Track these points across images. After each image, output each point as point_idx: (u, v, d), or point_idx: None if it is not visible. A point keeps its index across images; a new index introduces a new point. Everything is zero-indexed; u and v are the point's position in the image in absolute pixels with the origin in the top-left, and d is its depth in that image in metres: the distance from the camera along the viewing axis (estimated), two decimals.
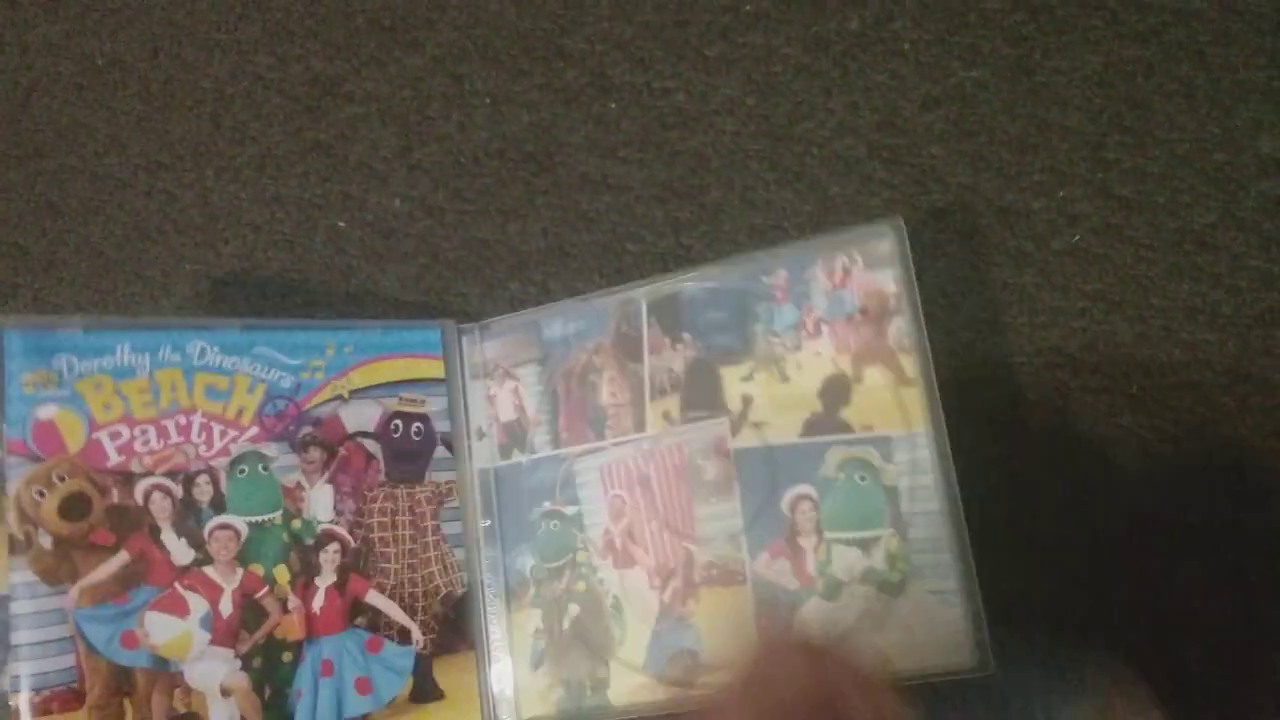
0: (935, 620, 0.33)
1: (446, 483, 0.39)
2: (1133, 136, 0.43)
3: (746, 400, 0.37)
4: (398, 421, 0.39)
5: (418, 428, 0.39)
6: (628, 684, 0.36)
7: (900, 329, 0.36)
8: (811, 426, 0.36)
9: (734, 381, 0.38)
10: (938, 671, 0.32)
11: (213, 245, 0.44)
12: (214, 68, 0.46)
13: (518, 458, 0.39)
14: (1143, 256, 0.42)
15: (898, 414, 0.35)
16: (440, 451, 0.39)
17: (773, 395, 0.37)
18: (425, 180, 0.44)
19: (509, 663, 0.37)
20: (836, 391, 0.36)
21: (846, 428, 0.36)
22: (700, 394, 0.38)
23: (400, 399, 0.39)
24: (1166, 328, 0.41)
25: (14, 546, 0.32)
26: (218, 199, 0.44)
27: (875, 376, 0.36)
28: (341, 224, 0.44)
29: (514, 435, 0.39)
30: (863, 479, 0.35)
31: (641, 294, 0.39)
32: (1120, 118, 0.43)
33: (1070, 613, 0.39)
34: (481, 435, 0.39)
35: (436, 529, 0.38)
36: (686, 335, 0.38)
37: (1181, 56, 0.44)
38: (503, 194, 0.44)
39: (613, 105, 0.44)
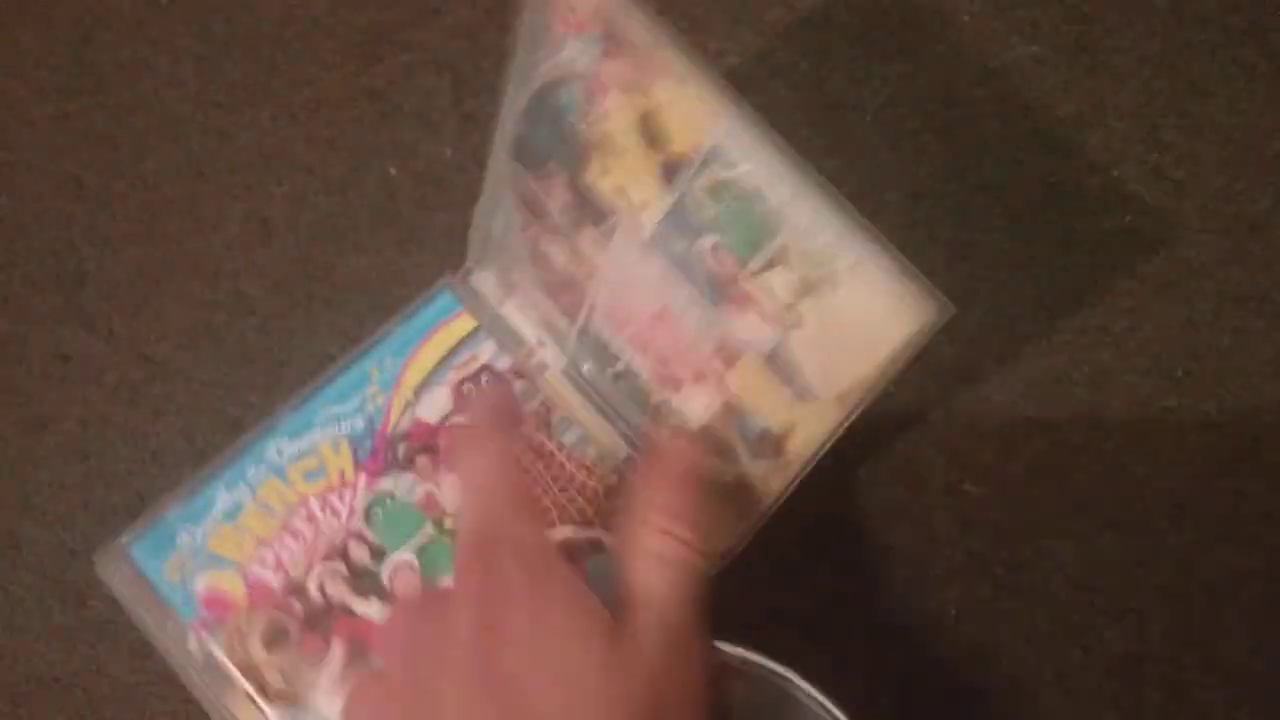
0: (877, 289, 0.30)
1: (541, 404, 0.39)
2: (1189, 120, 0.43)
3: (618, 189, 0.34)
4: (468, 385, 0.39)
5: (487, 379, 0.39)
6: (761, 470, 0.35)
7: (643, 34, 0.32)
8: (666, 175, 0.33)
9: (597, 177, 0.35)
10: (915, 333, 0.30)
11: (264, 186, 0.44)
12: (272, 10, 0.46)
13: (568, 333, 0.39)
14: (1193, 241, 0.42)
15: (703, 124, 0.32)
16: (517, 385, 0.40)
17: (623, 170, 0.34)
18: (476, 131, 0.44)
19: None
20: (651, 131, 0.33)
21: (685, 160, 0.32)
22: (593, 211, 0.35)
23: (456, 368, 0.40)
24: (1214, 313, 0.41)
25: (261, 695, 0.35)
26: (271, 141, 0.45)
27: (665, 93, 0.32)
28: (392, 170, 0.44)
29: (553, 326, 0.40)
30: (733, 199, 0.32)
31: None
32: (1177, 100, 0.43)
33: (1099, 586, 0.39)
34: (543, 344, 0.40)
35: (560, 445, 0.39)
36: (550, 164, 0.36)
37: (1243, 41, 0.43)
38: None
39: None
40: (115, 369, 0.43)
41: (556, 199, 0.36)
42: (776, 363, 0.33)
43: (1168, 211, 0.42)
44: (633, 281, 0.36)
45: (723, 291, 0.34)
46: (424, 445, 0.39)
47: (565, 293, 0.39)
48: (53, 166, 0.45)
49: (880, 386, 0.32)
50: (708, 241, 0.33)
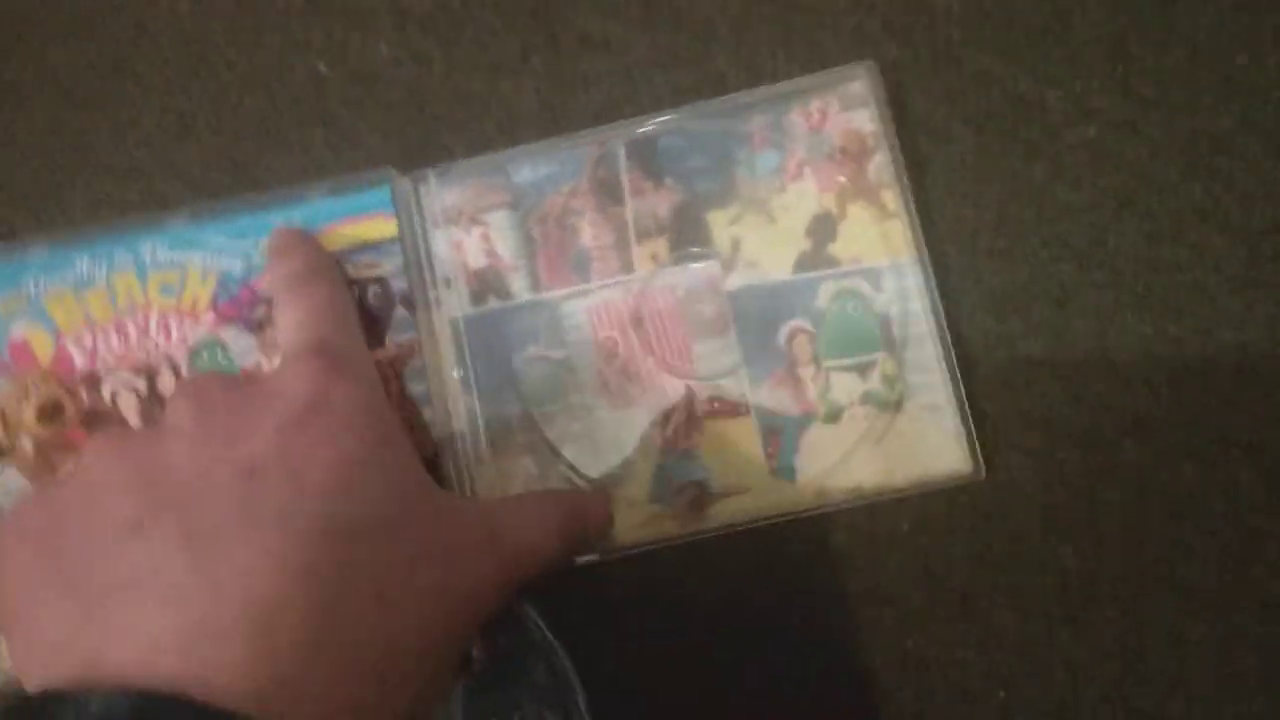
0: (930, 433, 0.36)
1: (408, 342, 0.37)
2: (1155, 32, 0.42)
3: (735, 241, 0.38)
4: (354, 286, 0.37)
5: (375, 290, 0.37)
6: (634, 518, 0.36)
7: (880, 166, 0.37)
8: (802, 263, 0.37)
9: (722, 224, 0.38)
10: (938, 479, 0.36)
11: (183, 80, 0.41)
12: None
13: (493, 304, 0.37)
14: (1157, 155, 0.41)
15: (882, 246, 0.37)
16: (399, 313, 0.37)
17: (761, 236, 0.37)
18: (415, 28, 0.42)
19: None
20: (823, 229, 0.37)
21: (835, 262, 0.37)
22: (688, 236, 0.38)
23: (353, 265, 0.37)
24: (1176, 228, 0.40)
25: (2, 452, 0.36)
26: (191, 31, 0.42)
27: (859, 212, 0.37)
28: (323, 68, 0.41)
29: (486, 282, 0.38)
30: (854, 309, 0.36)
31: (617, 138, 0.38)
32: (1143, 12, 0.42)
33: (1056, 502, 0.37)
34: (449, 284, 0.37)
35: (400, 390, 0.36)
36: (668, 180, 0.38)
37: None
38: (496, 48, 0.41)
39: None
40: None
41: (661, 200, 0.37)
42: (775, 434, 0.36)
43: (1131, 125, 0.41)
44: (673, 308, 0.37)
45: (772, 365, 0.37)
46: None
47: (556, 261, 0.37)
48: None
49: (863, 502, 0.36)
50: (796, 324, 0.37)
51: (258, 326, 0.37)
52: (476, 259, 0.38)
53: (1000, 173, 0.40)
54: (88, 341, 0.37)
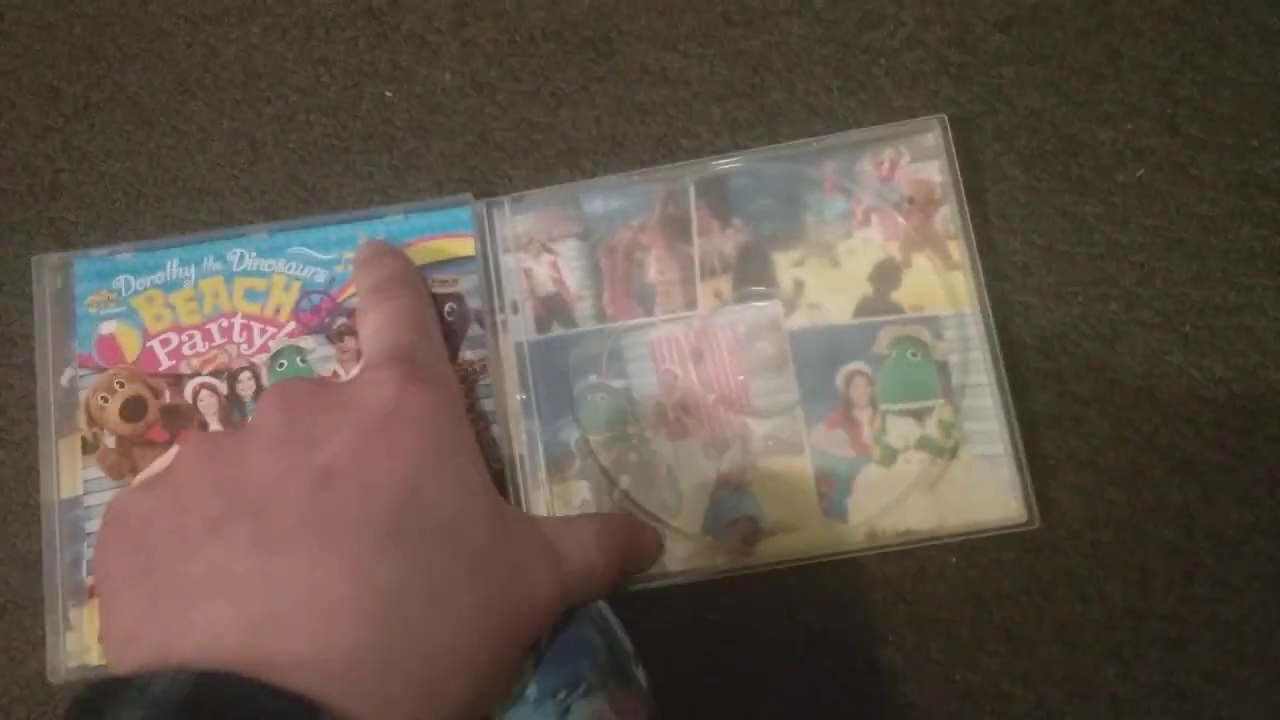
0: (985, 481, 0.37)
1: (480, 360, 0.38)
2: (1204, 75, 0.42)
3: (798, 283, 0.38)
4: (434, 301, 0.38)
5: (450, 307, 0.38)
6: (685, 550, 0.37)
7: (946, 217, 0.38)
8: (863, 308, 0.38)
9: (786, 266, 0.39)
10: (991, 525, 0.36)
11: (253, 104, 0.42)
12: None
13: (557, 330, 0.38)
14: (1205, 196, 0.41)
15: (945, 296, 0.38)
16: (474, 330, 0.38)
17: (824, 279, 0.38)
18: (478, 56, 0.43)
19: None
20: (886, 275, 0.38)
21: (897, 309, 0.38)
22: (752, 276, 0.39)
23: (432, 281, 0.38)
24: (1224, 270, 0.40)
25: (85, 448, 0.37)
26: (262, 58, 0.43)
27: (923, 262, 0.38)
28: (388, 94, 0.42)
29: (552, 309, 0.39)
30: (914, 355, 0.37)
31: (688, 176, 0.39)
32: (1193, 55, 0.42)
33: (1103, 540, 0.38)
34: (516, 309, 0.38)
35: (471, 406, 0.37)
36: (736, 220, 0.39)
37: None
38: (557, 77, 0.42)
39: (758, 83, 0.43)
40: None
41: (728, 239, 0.39)
42: (829, 475, 0.37)
43: (1181, 166, 0.41)
44: (733, 345, 0.38)
45: (829, 407, 0.37)
46: (357, 331, 0.37)
47: (622, 293, 0.39)
48: (29, 76, 0.43)
49: (914, 545, 0.36)
50: (855, 367, 0.38)
51: (337, 336, 0.38)
52: (544, 286, 0.39)
53: (1051, 211, 0.41)
54: (174, 342, 0.38)
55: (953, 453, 0.37)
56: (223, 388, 0.38)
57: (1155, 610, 0.37)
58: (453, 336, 0.38)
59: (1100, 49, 0.43)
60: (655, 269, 0.39)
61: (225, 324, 0.38)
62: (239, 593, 0.25)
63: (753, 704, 0.37)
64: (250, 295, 0.39)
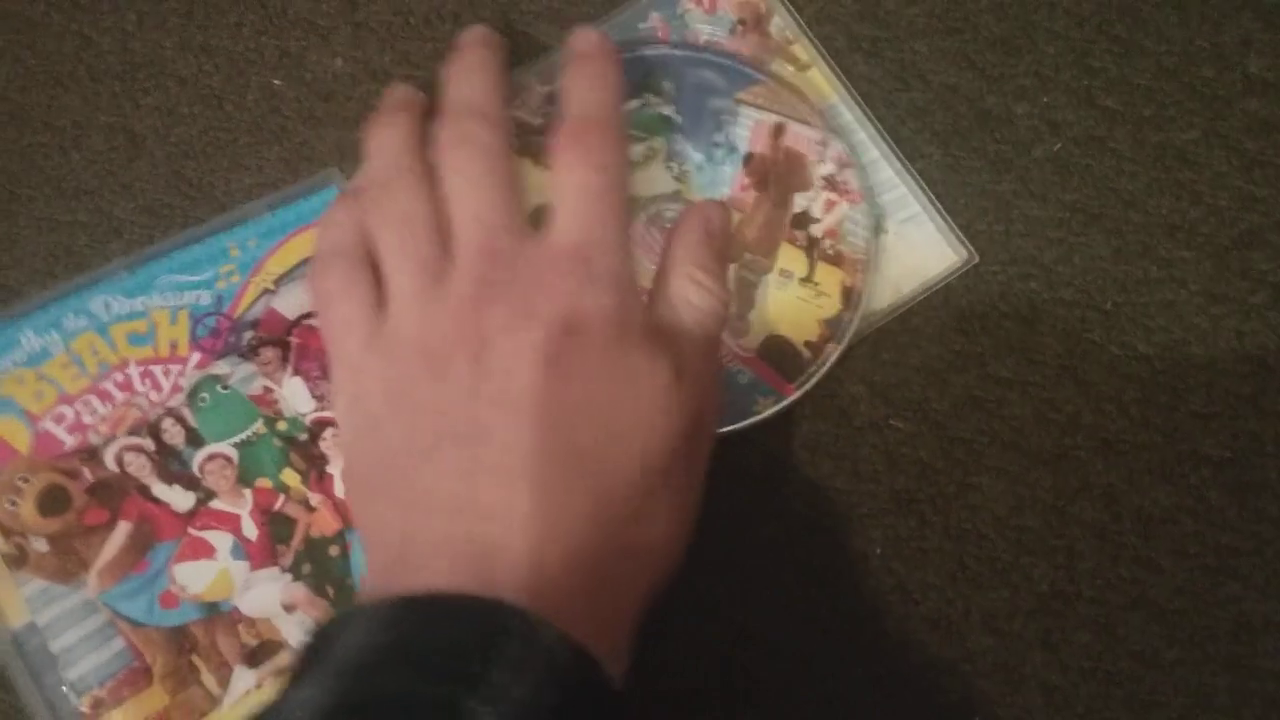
0: (917, 241, 0.39)
1: None
2: (1120, 46, 0.42)
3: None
4: None
5: None
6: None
7: (780, 26, 0.40)
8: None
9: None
10: (939, 276, 0.38)
11: (132, 96, 0.40)
12: None
13: None
14: (1124, 170, 0.40)
15: (811, 94, 0.39)
16: None
17: None
18: (371, 40, 0.40)
19: None
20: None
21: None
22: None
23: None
24: (1144, 244, 0.40)
25: (12, 563, 0.32)
26: (139, 46, 0.40)
27: (777, 71, 0.39)
28: (277, 82, 0.40)
29: None
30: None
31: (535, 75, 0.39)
32: (1109, 25, 0.42)
33: (1027, 524, 0.37)
34: None
35: None
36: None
37: None
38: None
39: None
40: None
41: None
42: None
43: (1098, 139, 0.41)
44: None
45: None
46: (275, 339, 0.36)
47: None
48: None
49: (880, 321, 0.38)
50: None
51: (252, 352, 0.36)
52: None
53: (968, 189, 0.40)
54: (68, 416, 0.34)
55: (880, 228, 0.38)
56: (149, 444, 0.34)
57: (1083, 594, 0.36)
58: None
59: (1014, 21, 0.42)
60: None
61: (120, 378, 0.35)
62: (461, 512, 0.27)
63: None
64: (135, 339, 0.35)
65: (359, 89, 0.40)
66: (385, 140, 0.33)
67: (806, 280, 0.38)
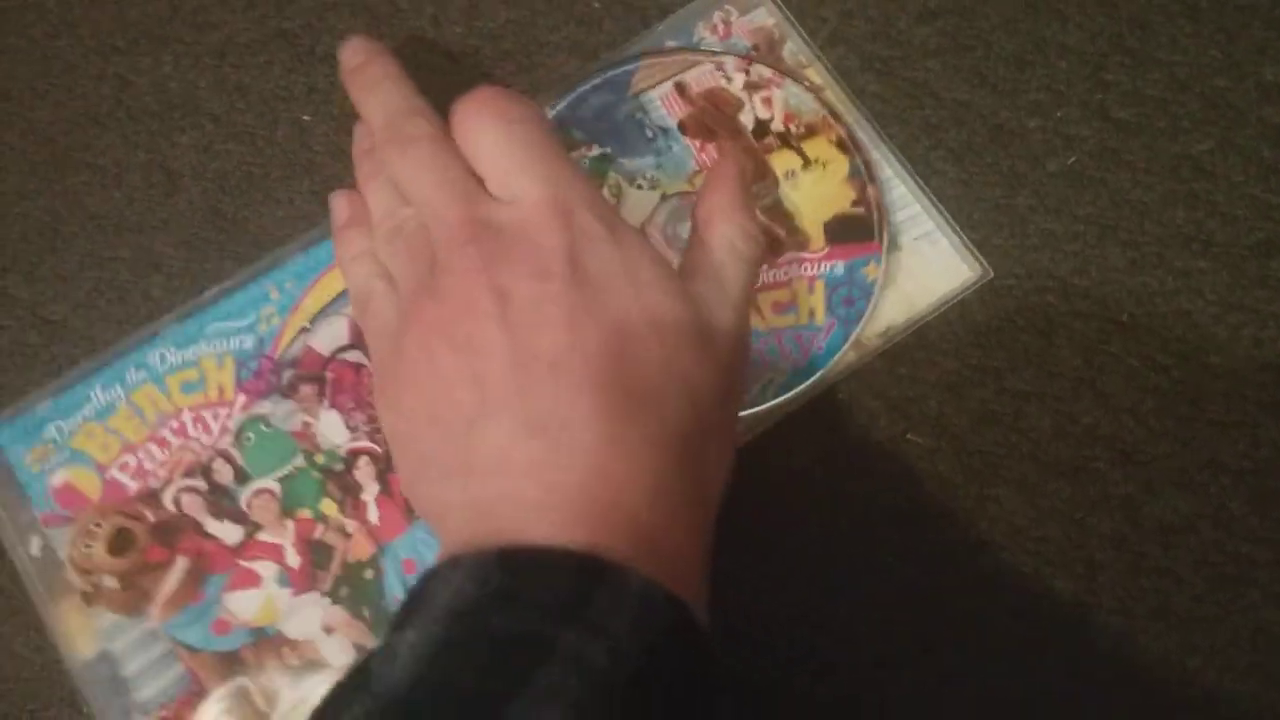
0: (932, 257, 0.39)
1: None
2: (1133, 58, 0.42)
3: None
4: None
5: None
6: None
7: (793, 51, 0.41)
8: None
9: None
10: (954, 292, 0.39)
11: (168, 135, 0.42)
12: None
13: None
14: (1139, 181, 0.41)
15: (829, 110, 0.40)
16: None
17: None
18: None
19: None
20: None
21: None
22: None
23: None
24: (1160, 255, 0.40)
25: (88, 600, 0.35)
26: (175, 86, 0.42)
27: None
28: (306, 117, 0.42)
29: None
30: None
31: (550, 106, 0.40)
32: (1121, 38, 0.42)
33: (1047, 535, 0.37)
34: None
35: None
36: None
37: None
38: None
39: (596, 5, 0.42)
40: (9, 332, 0.40)
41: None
42: None
43: (1112, 151, 0.41)
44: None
45: None
46: (311, 375, 0.38)
47: None
48: None
49: (896, 338, 0.38)
50: None
51: (291, 390, 0.38)
52: None
53: (983, 204, 0.40)
54: (132, 463, 0.37)
55: (895, 245, 0.39)
56: (201, 484, 0.37)
57: (1104, 604, 0.37)
58: None
59: (1026, 36, 0.42)
60: None
61: (175, 425, 0.37)
62: (526, 471, 0.28)
63: None
64: (187, 387, 0.38)
65: None
66: (367, 174, 0.35)
67: (807, 165, 0.40)
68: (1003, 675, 0.36)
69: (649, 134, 0.40)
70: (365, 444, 0.37)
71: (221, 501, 0.37)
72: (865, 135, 0.40)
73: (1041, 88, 0.41)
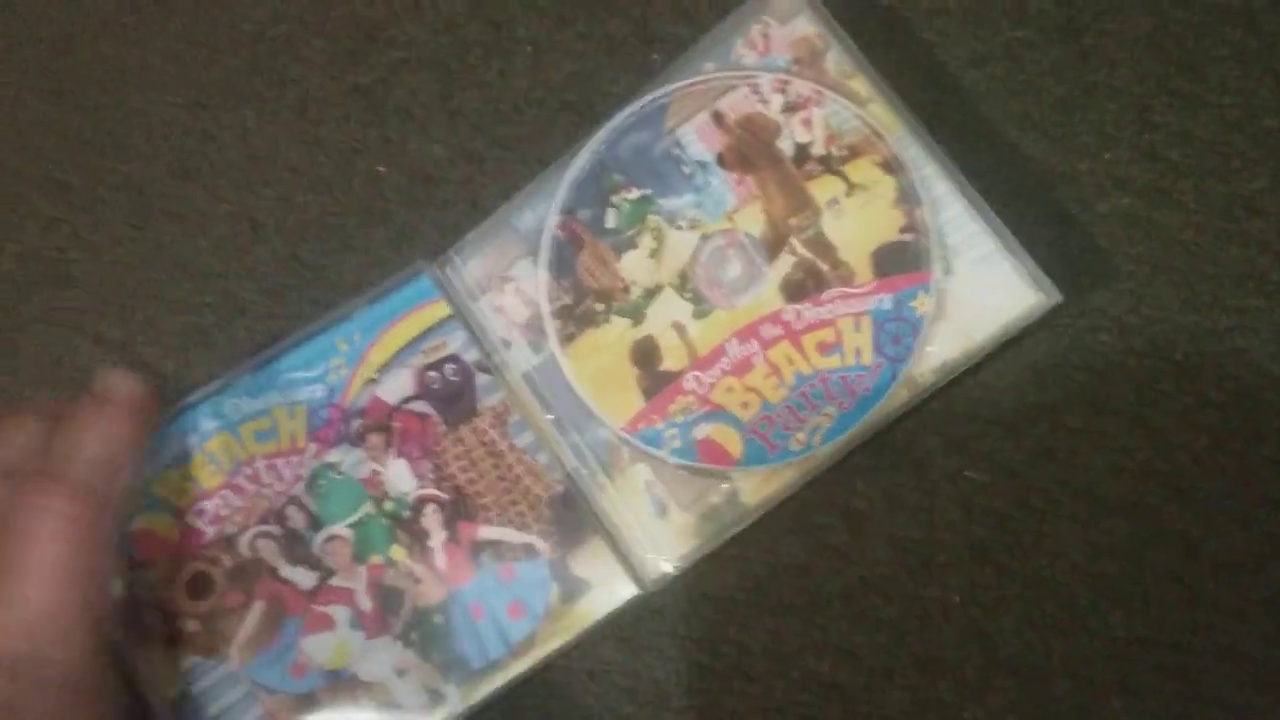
0: (991, 282, 0.37)
1: (500, 402, 0.39)
2: (1181, 100, 0.43)
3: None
4: (431, 373, 0.40)
5: (451, 369, 0.40)
6: (754, 482, 0.38)
7: (836, 60, 0.40)
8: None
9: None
10: (1018, 320, 0.37)
11: (250, 186, 0.44)
12: (256, 10, 0.45)
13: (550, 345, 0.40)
14: (1190, 221, 0.41)
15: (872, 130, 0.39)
16: (481, 379, 0.40)
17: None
18: (465, 127, 0.44)
19: (635, 523, 0.38)
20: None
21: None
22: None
23: (423, 353, 0.40)
24: (1213, 294, 0.41)
25: (171, 644, 0.37)
26: (257, 141, 0.44)
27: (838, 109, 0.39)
28: (381, 169, 0.44)
29: (537, 329, 0.40)
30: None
31: (587, 146, 0.41)
32: (1168, 80, 0.43)
33: (1104, 571, 0.38)
34: (508, 345, 0.40)
35: (511, 447, 0.39)
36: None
37: (1232, 20, 0.43)
38: (543, 143, 0.43)
39: (655, 56, 0.44)
40: None
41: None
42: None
43: (1163, 192, 0.42)
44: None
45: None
46: (378, 424, 0.39)
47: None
48: (35, 171, 0.45)
49: (955, 374, 0.37)
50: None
51: (359, 439, 0.39)
52: (518, 313, 0.40)
53: (1033, 245, 0.41)
54: (208, 510, 0.38)
55: (948, 268, 0.37)
56: (276, 530, 0.38)
57: (1161, 640, 0.37)
58: (463, 394, 0.40)
59: (1074, 80, 0.43)
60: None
61: (249, 471, 0.39)
62: None
63: None
64: (260, 436, 0.39)
65: (456, 172, 0.43)
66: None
67: (851, 191, 0.39)
68: (1064, 715, 0.37)
69: (686, 170, 0.40)
70: (432, 491, 0.39)
71: (295, 547, 0.38)
72: (915, 152, 0.39)
73: (1090, 130, 0.42)
